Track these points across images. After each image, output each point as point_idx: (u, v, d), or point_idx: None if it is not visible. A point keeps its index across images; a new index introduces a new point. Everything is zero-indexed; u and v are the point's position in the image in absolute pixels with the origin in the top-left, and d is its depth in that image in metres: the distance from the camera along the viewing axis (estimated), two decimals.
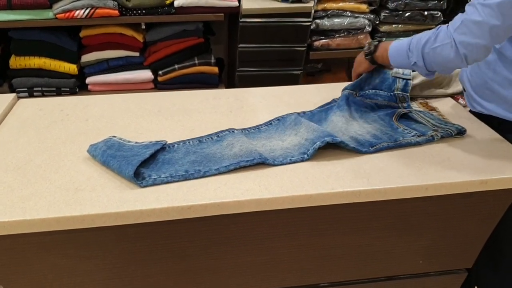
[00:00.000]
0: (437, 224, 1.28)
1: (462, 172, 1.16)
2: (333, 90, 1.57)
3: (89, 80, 2.50)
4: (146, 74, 2.52)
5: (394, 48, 1.32)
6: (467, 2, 2.49)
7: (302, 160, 1.19)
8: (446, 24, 1.21)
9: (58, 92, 2.47)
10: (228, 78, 3.00)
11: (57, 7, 2.23)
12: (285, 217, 1.16)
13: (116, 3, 2.27)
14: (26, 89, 2.44)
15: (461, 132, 1.31)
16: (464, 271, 1.45)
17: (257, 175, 1.13)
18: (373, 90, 1.48)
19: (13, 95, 1.47)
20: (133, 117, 1.39)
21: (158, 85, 2.58)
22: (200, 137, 1.28)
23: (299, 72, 2.76)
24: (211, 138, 1.27)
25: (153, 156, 1.18)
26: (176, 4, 2.33)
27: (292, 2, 2.50)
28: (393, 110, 1.40)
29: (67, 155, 1.20)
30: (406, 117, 1.38)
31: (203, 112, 1.43)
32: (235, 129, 1.30)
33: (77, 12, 2.24)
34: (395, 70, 1.47)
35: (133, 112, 1.42)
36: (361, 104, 1.43)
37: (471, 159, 1.21)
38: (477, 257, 1.41)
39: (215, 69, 2.58)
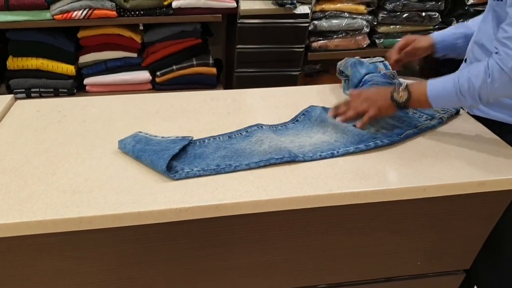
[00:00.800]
0: (435, 226, 1.28)
1: (460, 173, 1.16)
2: (331, 91, 1.57)
3: (87, 81, 2.50)
4: (144, 75, 2.53)
5: (437, 94, 1.24)
6: (465, 3, 2.49)
7: (332, 156, 1.21)
8: (491, 58, 1.18)
9: (56, 93, 2.47)
10: (226, 79, 3.00)
11: (55, 8, 2.23)
12: (284, 218, 1.15)
13: (114, 4, 2.27)
14: (23, 90, 2.44)
15: (457, 112, 1.42)
16: (462, 272, 1.45)
17: (255, 177, 1.13)
18: (368, 75, 1.48)
19: (10, 96, 1.46)
20: (131, 118, 1.39)
21: (156, 86, 2.58)
22: (229, 132, 1.30)
23: (297, 73, 2.76)
24: (240, 133, 1.29)
25: (184, 150, 1.20)
26: (174, 5, 2.33)
27: (278, 6, 2.50)
28: None
29: (65, 157, 1.19)
30: None
31: (201, 113, 1.43)
32: (263, 124, 1.32)
33: (75, 13, 2.24)
34: (368, 59, 1.51)
35: (131, 113, 1.41)
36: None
37: (469, 160, 1.21)
38: (476, 256, 1.41)
39: (213, 70, 2.58)
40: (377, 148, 1.25)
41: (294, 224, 1.18)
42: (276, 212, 1.10)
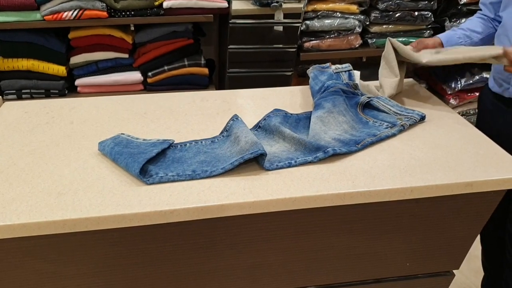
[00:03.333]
0: (423, 226, 1.27)
1: (447, 174, 1.16)
2: None
3: (78, 82, 2.49)
4: (135, 76, 2.51)
5: None
6: (458, 3, 2.51)
7: (289, 166, 1.18)
8: None
9: (47, 94, 2.46)
10: (218, 80, 2.99)
11: (45, 8, 2.21)
12: (271, 220, 1.15)
13: (104, 4, 2.26)
14: (14, 91, 2.42)
15: (422, 118, 1.40)
16: (452, 273, 1.45)
17: (242, 178, 1.13)
18: (330, 81, 1.49)
19: None
20: (119, 119, 1.38)
21: (147, 87, 2.57)
22: (213, 137, 1.28)
23: (290, 73, 2.75)
24: (222, 136, 1.28)
25: (163, 154, 1.19)
26: (165, 5, 2.32)
27: (260, 6, 2.49)
28: (355, 100, 1.43)
29: (51, 159, 1.19)
30: (368, 107, 1.43)
31: (189, 114, 1.42)
32: (238, 115, 1.31)
33: (65, 13, 2.22)
34: (335, 66, 1.54)
35: (119, 115, 1.40)
36: (329, 96, 1.42)
37: (456, 161, 1.21)
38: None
39: (205, 70, 2.57)
40: (348, 154, 1.23)
41: (281, 226, 1.17)
42: (263, 214, 1.09)
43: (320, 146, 1.21)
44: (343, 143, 1.25)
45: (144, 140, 1.23)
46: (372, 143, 1.27)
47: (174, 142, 1.23)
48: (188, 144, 1.24)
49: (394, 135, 1.31)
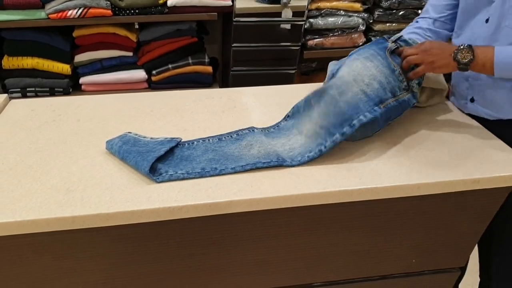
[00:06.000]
0: (429, 223, 1.28)
1: (454, 171, 1.16)
2: None
3: (82, 80, 2.49)
4: (140, 74, 2.52)
5: (505, 61, 1.22)
6: None
7: (321, 154, 1.19)
8: None
9: (52, 93, 2.46)
10: (222, 78, 3.00)
11: (50, 7, 2.22)
12: (278, 217, 1.15)
13: (109, 2, 2.26)
14: (19, 89, 2.42)
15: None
16: (458, 270, 1.45)
17: (249, 175, 1.13)
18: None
19: (4, 95, 1.46)
20: (125, 117, 1.38)
21: (152, 85, 2.57)
22: (220, 135, 1.28)
23: (293, 71, 2.76)
24: (231, 136, 1.28)
25: (171, 152, 1.19)
26: (169, 3, 2.32)
27: (269, 3, 2.49)
28: (384, 45, 1.37)
29: (59, 156, 1.19)
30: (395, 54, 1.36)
31: (195, 112, 1.43)
32: (255, 128, 1.31)
33: (70, 12, 2.23)
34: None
35: (125, 112, 1.41)
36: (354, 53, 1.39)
37: (463, 158, 1.21)
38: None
39: (209, 69, 2.58)
40: (361, 124, 1.20)
41: (288, 222, 1.18)
42: (270, 210, 1.10)
43: (346, 118, 1.20)
44: (370, 98, 1.22)
45: (151, 138, 1.23)
46: (393, 107, 1.26)
47: (182, 140, 1.24)
48: (195, 142, 1.25)
49: (408, 105, 1.30)
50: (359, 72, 1.27)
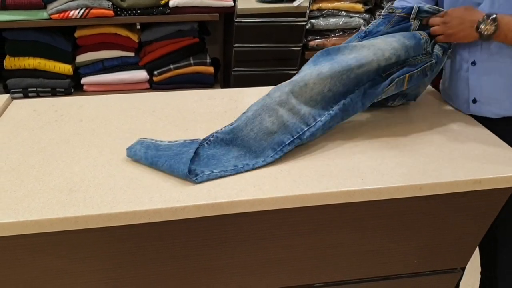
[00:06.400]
0: (431, 224, 1.28)
1: (456, 171, 1.16)
2: None
3: (84, 80, 2.49)
4: (141, 74, 2.52)
5: None
6: None
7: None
8: None
9: (53, 93, 2.46)
10: (223, 78, 3.00)
11: (52, 7, 2.22)
12: (280, 217, 1.15)
13: (110, 3, 2.27)
14: (21, 89, 2.43)
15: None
16: (460, 270, 1.45)
17: (251, 175, 1.13)
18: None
19: (7, 96, 1.46)
20: (127, 117, 1.39)
21: (153, 85, 2.57)
22: (231, 124, 1.25)
23: (295, 72, 2.76)
24: (241, 118, 1.24)
25: (196, 153, 1.18)
26: (171, 4, 2.32)
27: (272, 2, 2.49)
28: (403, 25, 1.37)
29: (61, 156, 1.19)
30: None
31: (197, 112, 1.43)
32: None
33: (72, 12, 2.23)
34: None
35: (128, 113, 1.41)
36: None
37: (464, 158, 1.22)
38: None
39: (211, 69, 2.58)
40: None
41: (290, 222, 1.18)
42: (272, 210, 1.10)
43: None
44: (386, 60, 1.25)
45: (169, 142, 1.22)
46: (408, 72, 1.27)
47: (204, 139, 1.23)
48: (211, 139, 1.23)
49: (425, 72, 1.31)
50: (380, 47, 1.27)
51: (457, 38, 1.30)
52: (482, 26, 1.24)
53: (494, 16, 1.22)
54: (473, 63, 1.35)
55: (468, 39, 1.29)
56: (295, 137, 1.19)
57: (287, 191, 1.08)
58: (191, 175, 1.10)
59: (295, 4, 2.48)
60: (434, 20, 1.34)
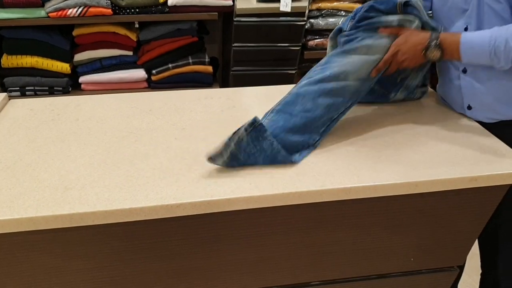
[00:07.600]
0: (427, 221, 1.28)
1: (451, 169, 1.16)
2: None
3: (82, 79, 2.49)
4: (139, 73, 2.52)
5: (469, 47, 1.22)
6: None
7: None
8: None
9: (51, 92, 2.46)
10: (222, 78, 3.00)
11: (50, 5, 2.22)
12: (276, 214, 1.15)
13: (109, 1, 2.27)
14: (18, 88, 2.43)
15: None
16: (456, 269, 1.45)
17: (248, 173, 1.13)
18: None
19: (3, 94, 1.46)
20: (123, 116, 1.38)
21: (151, 84, 2.57)
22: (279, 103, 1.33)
23: (293, 71, 2.76)
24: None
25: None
26: (169, 3, 2.32)
27: (260, 2, 2.50)
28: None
29: (57, 154, 1.19)
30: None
31: (194, 111, 1.43)
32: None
33: (70, 10, 2.23)
34: None
35: (124, 112, 1.41)
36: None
37: (460, 156, 1.21)
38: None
39: (209, 68, 2.58)
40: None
41: (286, 220, 1.18)
42: (268, 208, 1.10)
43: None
44: None
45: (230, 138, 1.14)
46: None
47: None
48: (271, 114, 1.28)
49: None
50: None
51: (409, 65, 1.31)
52: (428, 52, 1.26)
53: (436, 41, 1.24)
54: (464, 71, 1.35)
55: (419, 62, 1.32)
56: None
57: (283, 189, 1.08)
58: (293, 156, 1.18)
59: (281, 8, 2.48)
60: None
